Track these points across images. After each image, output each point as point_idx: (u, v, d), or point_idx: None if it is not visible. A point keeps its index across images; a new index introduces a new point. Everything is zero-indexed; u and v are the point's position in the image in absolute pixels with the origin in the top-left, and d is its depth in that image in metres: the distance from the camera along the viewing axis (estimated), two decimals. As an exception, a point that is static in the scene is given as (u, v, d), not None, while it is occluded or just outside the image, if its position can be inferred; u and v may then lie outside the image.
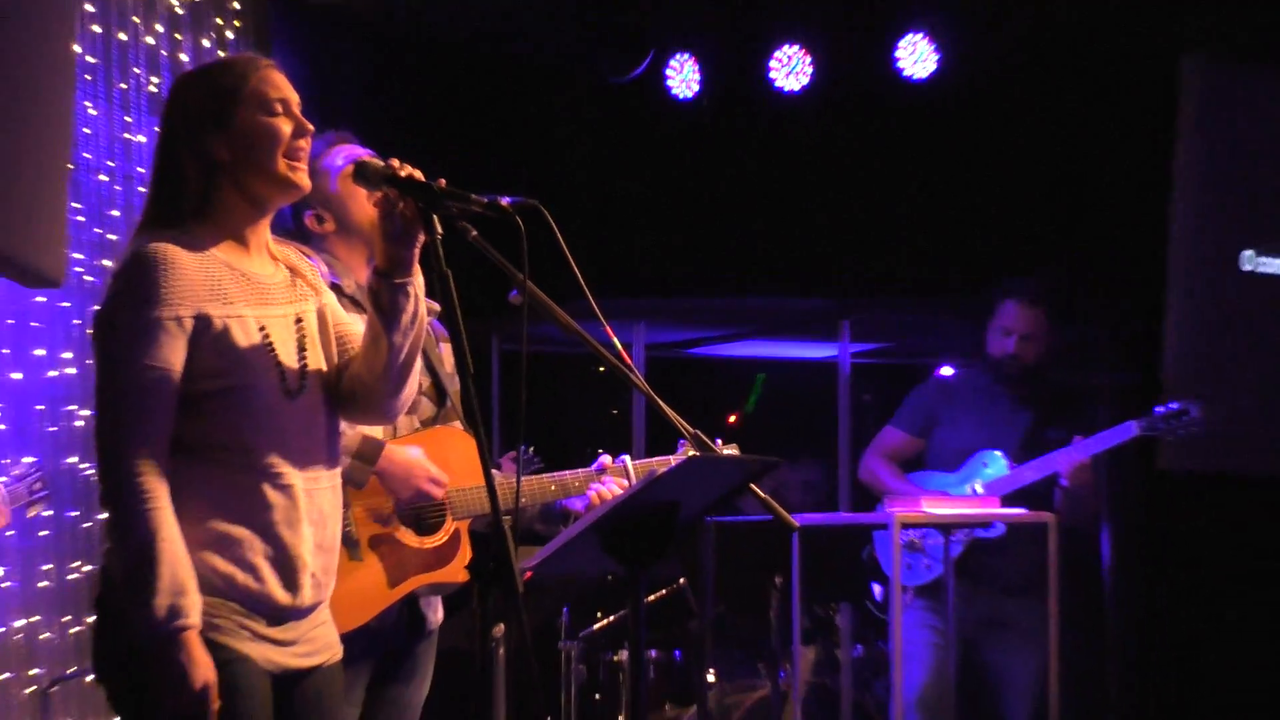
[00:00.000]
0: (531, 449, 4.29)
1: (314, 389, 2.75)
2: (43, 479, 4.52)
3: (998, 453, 5.28)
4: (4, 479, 4.45)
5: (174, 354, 2.60)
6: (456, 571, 3.50)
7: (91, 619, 2.80)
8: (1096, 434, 5.18)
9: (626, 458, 3.74)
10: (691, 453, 3.71)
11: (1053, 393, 5.49)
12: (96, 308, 2.69)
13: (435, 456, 3.49)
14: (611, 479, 3.67)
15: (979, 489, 5.23)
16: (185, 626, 2.54)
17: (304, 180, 2.75)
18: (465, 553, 3.51)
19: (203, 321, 2.63)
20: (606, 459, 3.73)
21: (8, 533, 5.02)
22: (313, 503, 2.73)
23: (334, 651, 2.83)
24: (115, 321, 2.61)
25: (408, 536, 3.46)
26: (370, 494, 3.42)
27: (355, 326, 2.87)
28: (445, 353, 3.67)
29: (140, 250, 2.62)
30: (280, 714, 2.70)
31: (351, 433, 3.31)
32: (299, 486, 2.70)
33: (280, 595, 2.69)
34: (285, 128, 2.72)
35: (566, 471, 3.70)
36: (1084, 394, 6.12)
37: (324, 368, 2.79)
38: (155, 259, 2.61)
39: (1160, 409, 5.20)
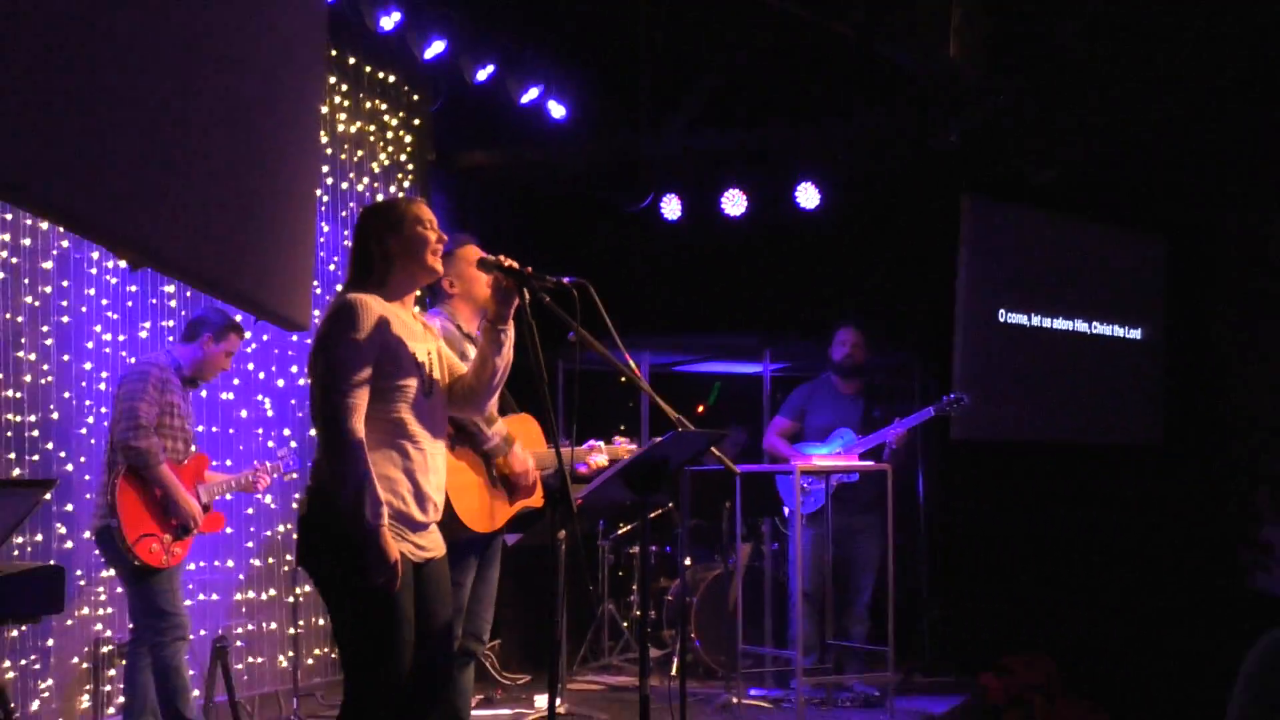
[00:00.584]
0: (620, 430, 4.25)
1: (438, 393, 2.74)
2: (291, 455, 4.45)
3: (848, 429, 5.27)
4: (279, 455, 4.42)
5: (367, 361, 2.58)
6: (539, 498, 3.53)
7: (296, 533, 2.72)
8: (909, 415, 5.19)
9: (600, 443, 3.82)
10: (608, 448, 3.86)
11: (873, 390, 5.49)
12: (319, 335, 2.65)
13: (520, 431, 3.52)
14: (596, 454, 3.77)
15: (840, 451, 5.23)
16: (383, 523, 2.52)
17: (440, 267, 2.76)
18: (540, 489, 3.52)
19: (384, 344, 2.61)
20: (596, 444, 3.81)
21: (266, 497, 4.97)
22: (435, 460, 2.71)
23: (442, 549, 2.79)
24: (336, 343, 2.58)
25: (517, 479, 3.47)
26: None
27: (457, 361, 2.86)
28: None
29: (351, 299, 2.61)
30: (415, 588, 2.67)
31: (501, 427, 3.36)
32: (428, 450, 2.68)
33: (417, 514, 2.66)
34: (431, 236, 2.73)
35: (578, 447, 3.76)
36: (894, 391, 6.16)
37: (444, 381, 2.78)
38: (360, 303, 2.60)
39: (946, 398, 5.22)
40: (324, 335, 2.62)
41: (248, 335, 4.87)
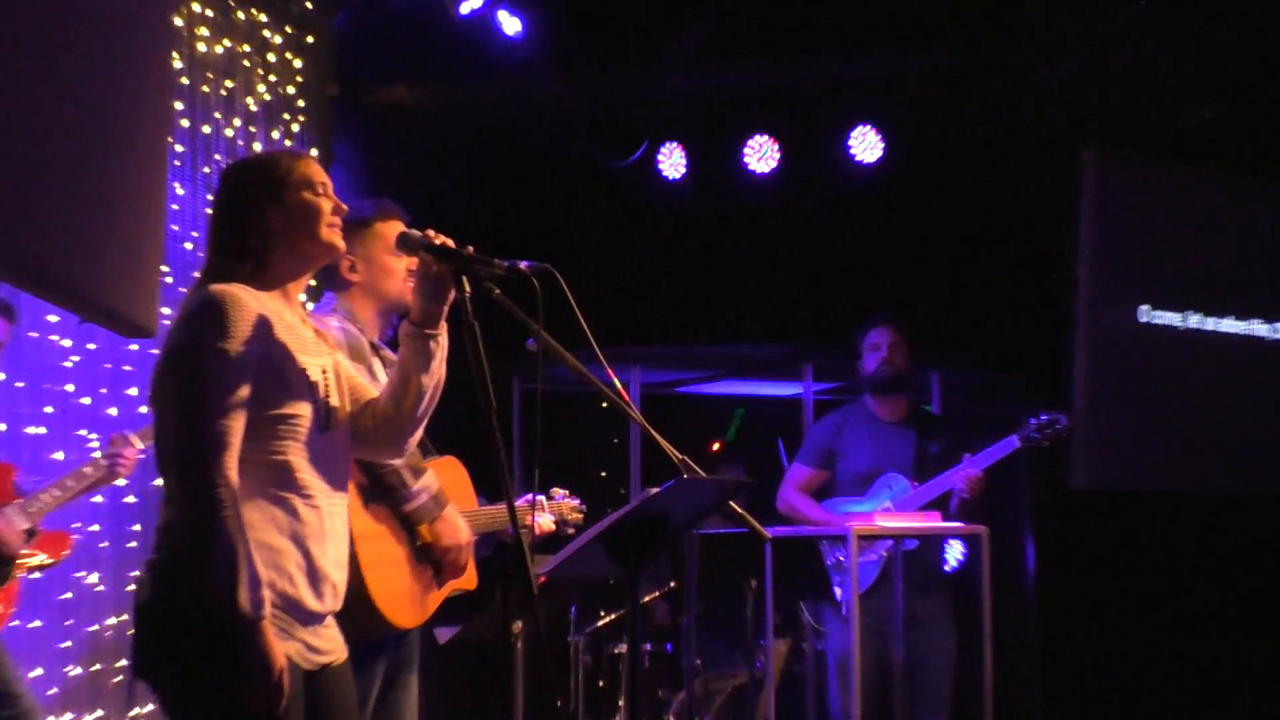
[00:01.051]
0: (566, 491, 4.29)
1: (339, 426, 2.74)
2: (127, 437, 4.40)
3: (897, 474, 5.28)
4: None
5: (244, 381, 2.56)
6: (471, 578, 3.58)
7: (113, 620, 2.71)
8: (984, 450, 5.17)
9: (542, 497, 3.93)
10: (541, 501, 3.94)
11: (926, 417, 5.51)
12: (168, 345, 2.64)
13: (446, 481, 3.53)
14: (537, 514, 3.89)
15: (890, 507, 5.22)
16: (263, 616, 2.48)
17: (341, 242, 2.77)
18: (472, 566, 3.56)
19: (265, 358, 2.60)
20: (538, 498, 3.94)
21: (100, 544, 4.97)
22: (333, 523, 2.69)
23: (342, 651, 2.77)
24: (196, 355, 2.55)
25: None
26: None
27: (361, 379, 2.86)
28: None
29: (215, 292, 2.59)
30: (307, 707, 2.64)
31: (431, 479, 3.38)
32: (324, 508, 2.66)
33: (310, 602, 2.64)
34: (325, 205, 2.75)
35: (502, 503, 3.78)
36: (981, 422, 6.16)
37: (345, 410, 2.77)
38: (230, 301, 2.58)
39: (1033, 420, 5.21)
40: (179, 344, 2.60)
41: (68, 344, 4.83)
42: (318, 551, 2.65)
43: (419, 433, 2.84)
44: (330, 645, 2.72)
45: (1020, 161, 7.05)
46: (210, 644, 2.49)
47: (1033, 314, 6.99)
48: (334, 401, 2.73)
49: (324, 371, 2.74)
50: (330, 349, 2.82)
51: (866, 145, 7.01)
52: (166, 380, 2.61)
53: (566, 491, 4.06)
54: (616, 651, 6.06)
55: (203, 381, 2.54)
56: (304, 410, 2.64)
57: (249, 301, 2.61)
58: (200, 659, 2.52)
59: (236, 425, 2.55)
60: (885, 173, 7.03)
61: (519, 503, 3.74)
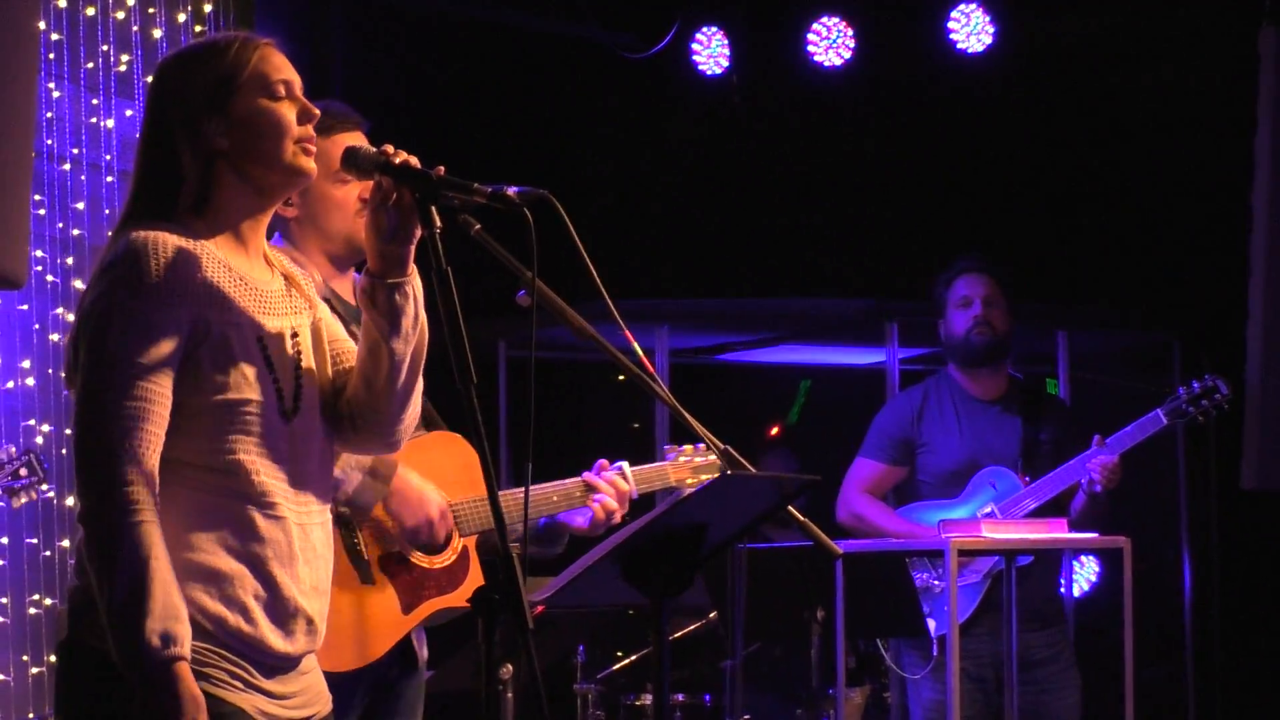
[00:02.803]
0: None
1: (309, 412, 2.72)
2: (29, 464, 4.52)
3: (1002, 468, 5.29)
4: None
5: (170, 356, 2.57)
6: (469, 594, 3.50)
7: (54, 659, 2.78)
8: (1121, 430, 5.20)
9: (624, 464, 3.76)
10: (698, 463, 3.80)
11: (1036, 394, 5.56)
12: (67, 314, 2.67)
13: (434, 463, 3.51)
14: (610, 482, 3.70)
15: (995, 512, 5.22)
16: (179, 656, 2.49)
17: (312, 167, 2.73)
18: (475, 573, 3.52)
19: (200, 324, 2.60)
20: (604, 462, 3.76)
21: None
22: (307, 538, 2.70)
23: (326, 703, 2.79)
24: (106, 317, 2.57)
25: (416, 556, 3.48)
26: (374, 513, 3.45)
27: (352, 344, 2.83)
28: None
29: (135, 240, 2.59)
30: None
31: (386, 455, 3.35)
32: (291, 519, 2.67)
33: (274, 641, 2.65)
34: (290, 113, 2.71)
35: (568, 480, 3.71)
36: (1125, 398, 6.17)
37: (320, 388, 2.76)
38: (152, 250, 2.58)
39: (1183, 390, 5.27)
40: (86, 306, 2.62)
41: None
42: (284, 576, 2.66)
43: (409, 413, 2.80)
44: (307, 697, 2.74)
45: (1174, 48, 7.03)
46: (114, 688, 2.52)
47: (1193, 256, 6.98)
48: (304, 380, 2.72)
49: (292, 336, 2.73)
50: (310, 303, 2.81)
51: (972, 29, 7.00)
52: (73, 353, 2.63)
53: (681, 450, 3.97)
54: (638, 703, 6.10)
55: (112, 353, 2.56)
56: (256, 393, 2.64)
57: (180, 249, 2.61)
58: (103, 705, 2.56)
59: (155, 409, 2.56)
60: (995, 68, 7.03)
61: (592, 471, 3.72)
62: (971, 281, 5.40)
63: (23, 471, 4.48)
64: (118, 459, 2.52)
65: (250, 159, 2.69)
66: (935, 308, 5.49)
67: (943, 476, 5.37)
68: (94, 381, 2.57)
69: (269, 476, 2.65)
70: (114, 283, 2.58)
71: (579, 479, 3.73)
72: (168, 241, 2.60)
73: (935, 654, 5.18)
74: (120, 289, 2.57)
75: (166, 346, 2.57)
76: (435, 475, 3.50)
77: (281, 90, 2.72)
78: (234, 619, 2.61)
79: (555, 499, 3.71)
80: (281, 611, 2.66)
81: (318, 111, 2.75)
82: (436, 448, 3.57)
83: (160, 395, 2.57)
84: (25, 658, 5.05)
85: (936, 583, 5.23)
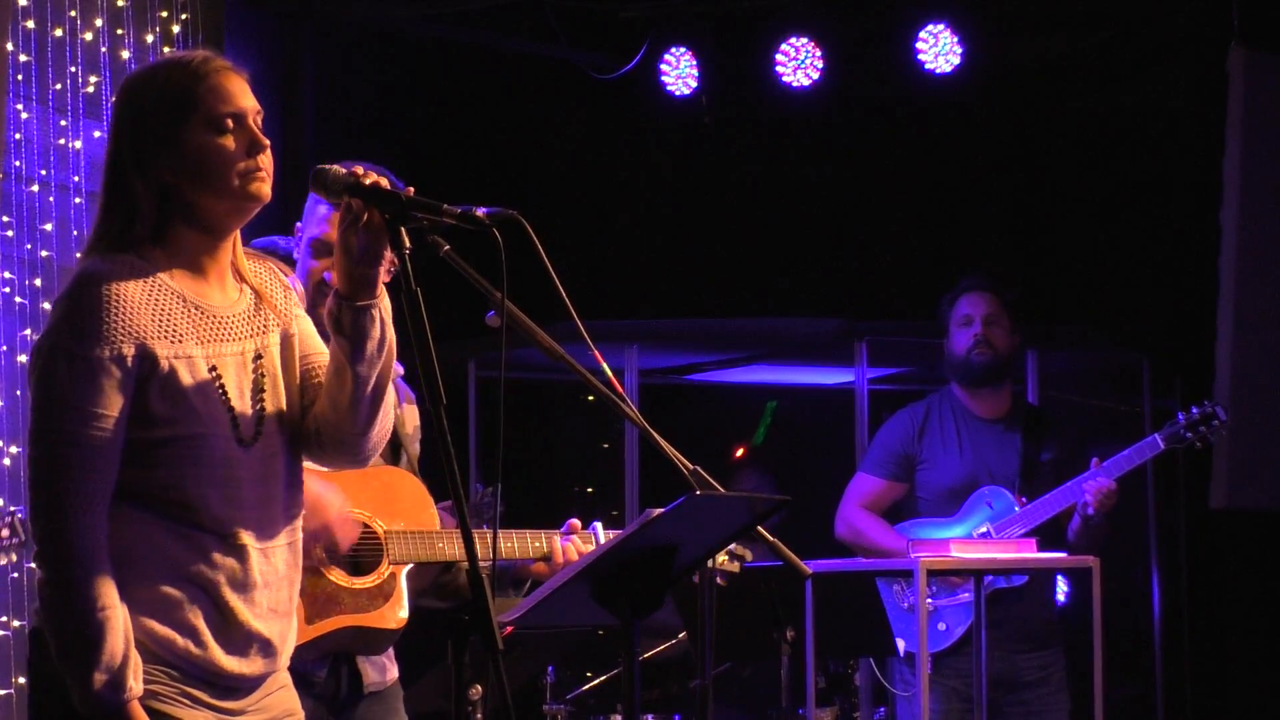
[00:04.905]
0: (490, 490, 4.26)
1: (271, 435, 2.72)
2: (11, 525, 4.52)
3: (1000, 488, 5.30)
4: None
5: (115, 397, 2.58)
6: (386, 618, 3.49)
7: (23, 680, 2.78)
8: (1118, 454, 5.21)
9: (598, 525, 3.77)
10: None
11: (1035, 414, 5.55)
12: (36, 336, 2.68)
13: (384, 495, 3.51)
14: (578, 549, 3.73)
15: (990, 531, 5.23)
16: (126, 700, 2.53)
17: (264, 191, 2.72)
18: (399, 600, 3.50)
19: (148, 361, 2.60)
20: (576, 523, 3.76)
21: None
22: (268, 563, 2.70)
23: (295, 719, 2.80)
24: (53, 357, 2.58)
25: (335, 573, 3.46)
26: None
27: (323, 355, 2.83)
28: (407, 414, 3.72)
29: (81, 276, 2.60)
30: None
31: None
32: (252, 545, 2.67)
33: (226, 664, 2.66)
34: (236, 145, 2.68)
35: (534, 532, 3.71)
36: (1100, 419, 6.16)
37: (284, 409, 2.76)
38: (96, 289, 2.59)
39: (1184, 415, 5.26)
40: (44, 344, 2.63)
41: None
42: (237, 602, 2.67)
43: (376, 430, 2.80)
44: (271, 713, 2.75)
45: (1144, 67, 7.05)
46: None
47: (1163, 275, 6.99)
48: (267, 402, 2.73)
49: (255, 359, 2.73)
50: (282, 317, 2.80)
51: (940, 50, 7.00)
52: (31, 389, 2.65)
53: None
54: (607, 726, 6.08)
55: (60, 397, 2.58)
56: (206, 428, 2.64)
57: (125, 286, 2.61)
58: None
59: (103, 451, 2.58)
60: (964, 88, 7.03)
61: (562, 529, 3.71)
62: (974, 300, 5.41)
63: (3, 533, 4.47)
64: (67, 509, 2.55)
65: (197, 191, 2.68)
66: (939, 327, 5.51)
67: (941, 494, 5.38)
68: (42, 424, 2.59)
69: (225, 506, 2.65)
70: (59, 320, 2.61)
71: (543, 540, 3.72)
72: (109, 277, 2.61)
73: (931, 671, 5.18)
74: (64, 329, 2.59)
75: (112, 387, 2.58)
76: (377, 503, 3.49)
77: (229, 124, 2.69)
78: (183, 642, 2.63)
79: (514, 548, 3.71)
80: (234, 635, 2.67)
81: (267, 142, 2.72)
82: (387, 477, 3.58)
83: (107, 439, 2.58)
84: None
85: (931, 603, 5.23)
